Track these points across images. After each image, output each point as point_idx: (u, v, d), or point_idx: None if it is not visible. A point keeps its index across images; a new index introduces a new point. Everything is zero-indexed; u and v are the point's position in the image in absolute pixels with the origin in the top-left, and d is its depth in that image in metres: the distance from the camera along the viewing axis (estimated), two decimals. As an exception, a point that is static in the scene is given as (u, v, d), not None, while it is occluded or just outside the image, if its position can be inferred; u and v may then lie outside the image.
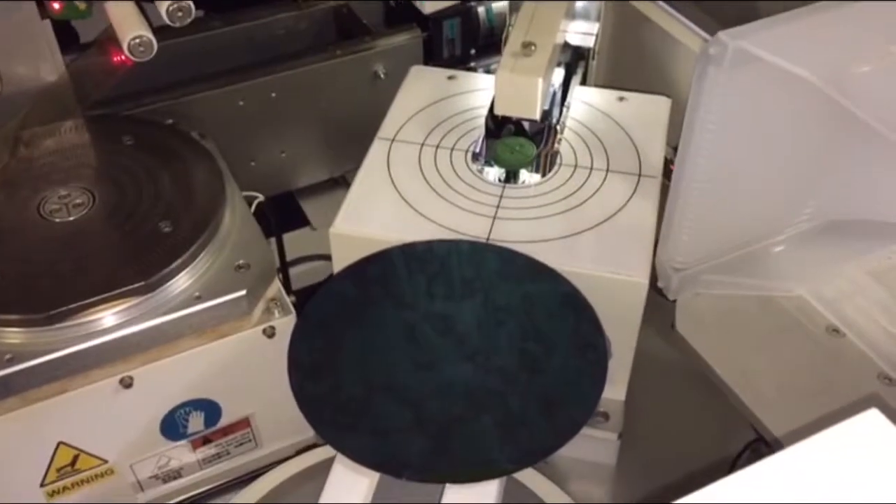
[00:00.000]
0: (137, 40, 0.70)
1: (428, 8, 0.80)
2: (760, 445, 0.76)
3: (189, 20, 0.70)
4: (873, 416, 0.36)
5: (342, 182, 1.10)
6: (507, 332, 0.67)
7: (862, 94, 0.57)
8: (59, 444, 0.70)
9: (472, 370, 0.65)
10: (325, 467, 0.65)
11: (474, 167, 0.82)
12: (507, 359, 0.66)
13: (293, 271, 0.97)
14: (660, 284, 0.76)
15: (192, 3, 0.68)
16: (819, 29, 0.61)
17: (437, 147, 0.84)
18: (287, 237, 0.98)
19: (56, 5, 0.74)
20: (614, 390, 0.79)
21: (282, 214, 1.00)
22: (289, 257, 0.94)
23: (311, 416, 0.63)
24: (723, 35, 0.60)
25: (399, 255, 0.71)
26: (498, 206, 0.78)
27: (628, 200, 0.78)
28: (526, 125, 0.84)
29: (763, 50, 0.59)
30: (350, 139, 0.96)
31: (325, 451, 0.73)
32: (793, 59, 0.58)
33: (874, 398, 0.61)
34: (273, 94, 1.00)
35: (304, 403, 0.64)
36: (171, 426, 0.74)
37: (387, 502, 0.63)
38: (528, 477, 0.73)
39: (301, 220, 1.08)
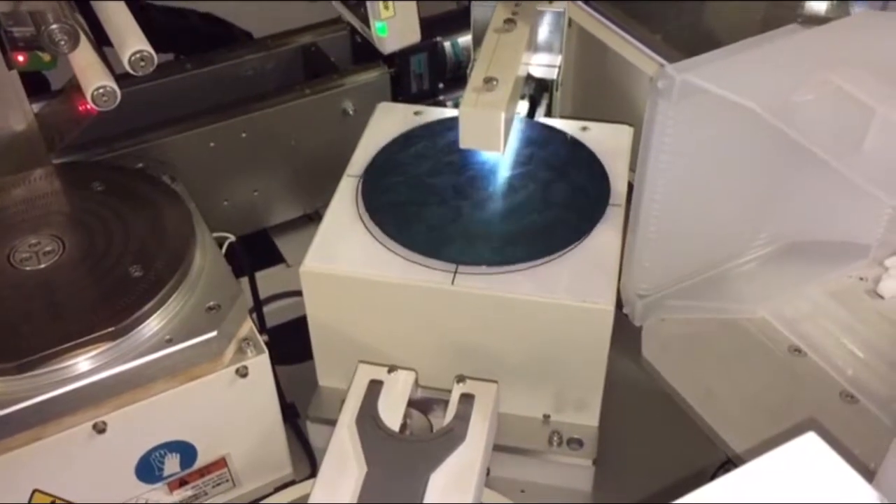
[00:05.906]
0: (101, 90, 0.71)
1: (387, 48, 0.82)
2: (732, 467, 0.76)
3: (151, 69, 0.71)
4: (811, 439, 0.37)
5: (316, 218, 1.11)
6: (527, 168, 0.86)
7: (806, 121, 0.59)
8: (34, 491, 0.70)
9: (502, 193, 0.83)
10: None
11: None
12: (528, 184, 0.84)
13: (268, 309, 0.97)
14: (625, 311, 0.77)
15: (153, 53, 0.69)
16: (763, 60, 0.63)
17: (405, 181, 0.87)
18: (262, 275, 0.98)
19: (20, 58, 0.75)
20: (587, 416, 0.80)
21: (256, 252, 1.01)
22: (263, 295, 0.94)
23: (378, 221, 0.80)
24: (670, 68, 0.62)
25: (437, 124, 0.91)
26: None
27: (593, 228, 0.79)
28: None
29: (709, 82, 0.60)
30: (322, 175, 0.97)
31: (302, 489, 0.74)
32: (738, 90, 0.60)
33: (812, 423, 0.62)
34: (244, 135, 1.01)
35: (373, 213, 0.81)
36: (147, 469, 0.75)
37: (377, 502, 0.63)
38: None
39: (275, 258, 1.09)
